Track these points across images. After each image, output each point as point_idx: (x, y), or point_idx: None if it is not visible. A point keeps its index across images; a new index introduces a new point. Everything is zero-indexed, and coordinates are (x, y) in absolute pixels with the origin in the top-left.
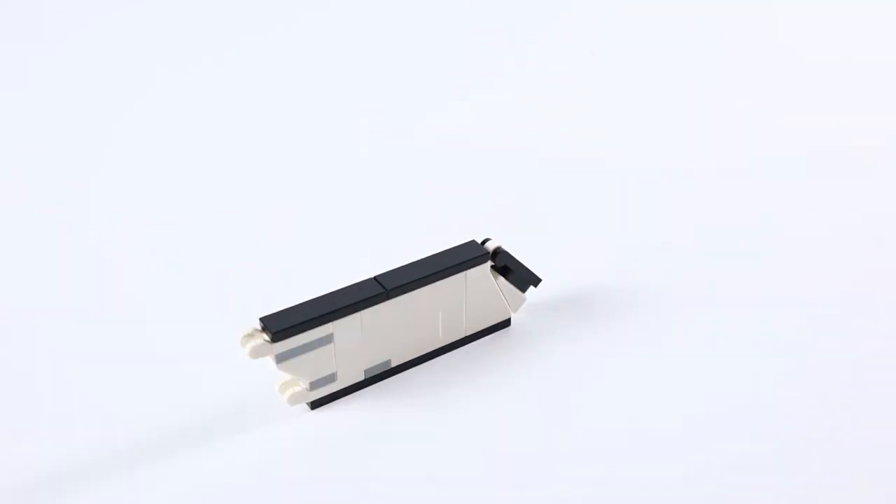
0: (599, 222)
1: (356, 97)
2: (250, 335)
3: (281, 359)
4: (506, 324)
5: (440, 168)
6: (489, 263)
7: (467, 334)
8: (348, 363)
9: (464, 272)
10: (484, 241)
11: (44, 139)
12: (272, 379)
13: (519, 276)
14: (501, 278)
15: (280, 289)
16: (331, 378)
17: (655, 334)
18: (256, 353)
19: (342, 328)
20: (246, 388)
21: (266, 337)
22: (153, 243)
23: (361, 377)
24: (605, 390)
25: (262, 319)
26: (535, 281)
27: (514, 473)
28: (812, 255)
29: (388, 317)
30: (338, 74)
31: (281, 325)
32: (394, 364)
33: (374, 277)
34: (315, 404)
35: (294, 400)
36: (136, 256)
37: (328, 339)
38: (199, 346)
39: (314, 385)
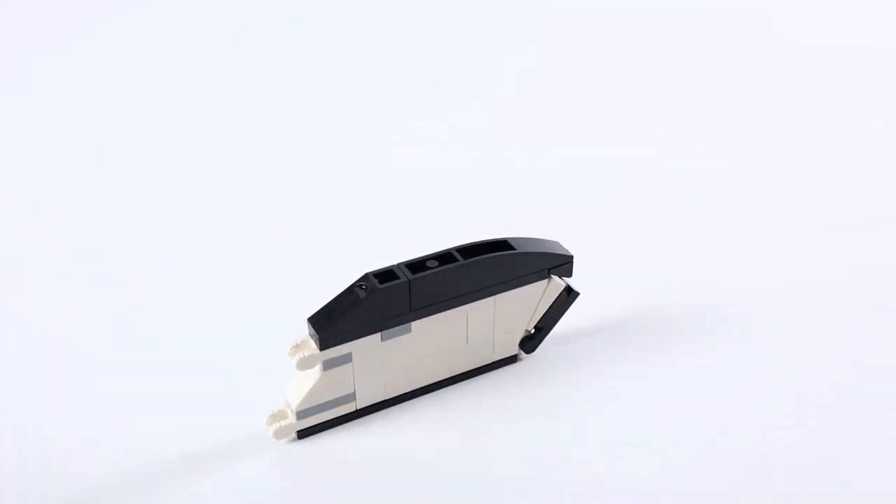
0: (603, 223)
1: (357, 97)
2: (298, 346)
3: (328, 366)
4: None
5: (441, 168)
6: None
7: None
8: (368, 384)
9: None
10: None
11: (44, 139)
12: (273, 379)
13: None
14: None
15: (280, 289)
16: (349, 398)
17: (664, 336)
18: (304, 365)
19: (370, 344)
20: (246, 388)
21: (314, 344)
22: (153, 243)
23: (380, 399)
24: (611, 390)
25: (310, 320)
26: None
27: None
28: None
29: (432, 329)
30: (338, 74)
31: (330, 329)
32: (410, 389)
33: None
34: (302, 434)
35: (280, 434)
36: (136, 256)
37: (357, 355)
38: (199, 345)
39: (330, 405)
